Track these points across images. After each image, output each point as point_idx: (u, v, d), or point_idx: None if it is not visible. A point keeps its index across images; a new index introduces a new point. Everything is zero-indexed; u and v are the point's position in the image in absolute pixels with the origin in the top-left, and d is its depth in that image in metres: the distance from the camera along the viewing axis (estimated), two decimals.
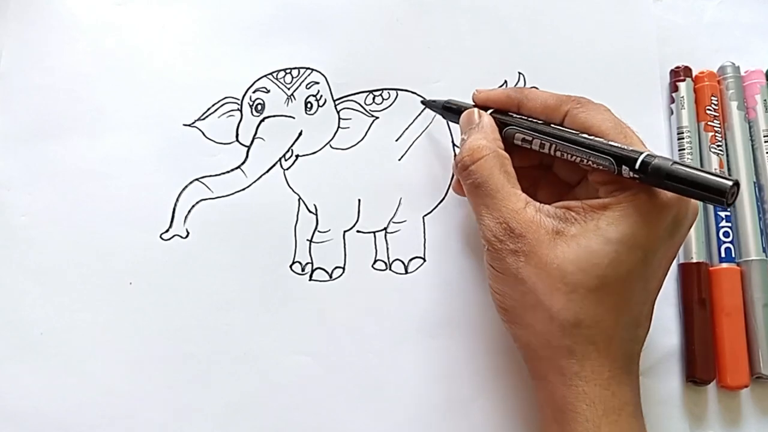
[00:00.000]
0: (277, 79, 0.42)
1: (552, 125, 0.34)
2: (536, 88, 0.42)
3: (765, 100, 0.41)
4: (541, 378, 0.32)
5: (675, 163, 0.29)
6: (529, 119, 0.35)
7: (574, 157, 0.32)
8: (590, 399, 0.30)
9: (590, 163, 0.32)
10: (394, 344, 0.38)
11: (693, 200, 0.32)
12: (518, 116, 0.36)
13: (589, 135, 0.32)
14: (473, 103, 0.38)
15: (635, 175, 0.30)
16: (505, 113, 0.36)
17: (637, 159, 0.30)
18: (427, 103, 0.41)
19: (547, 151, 0.33)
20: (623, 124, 0.33)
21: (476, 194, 0.34)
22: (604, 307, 0.30)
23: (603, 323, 0.30)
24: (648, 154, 0.29)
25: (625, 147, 0.31)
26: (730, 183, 0.27)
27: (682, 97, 0.42)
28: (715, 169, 0.40)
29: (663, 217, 0.30)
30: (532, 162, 0.37)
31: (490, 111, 0.36)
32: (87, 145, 0.41)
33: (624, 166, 0.30)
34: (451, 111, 0.39)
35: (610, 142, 0.31)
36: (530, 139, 0.34)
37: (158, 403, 0.37)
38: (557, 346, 0.31)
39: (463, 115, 0.37)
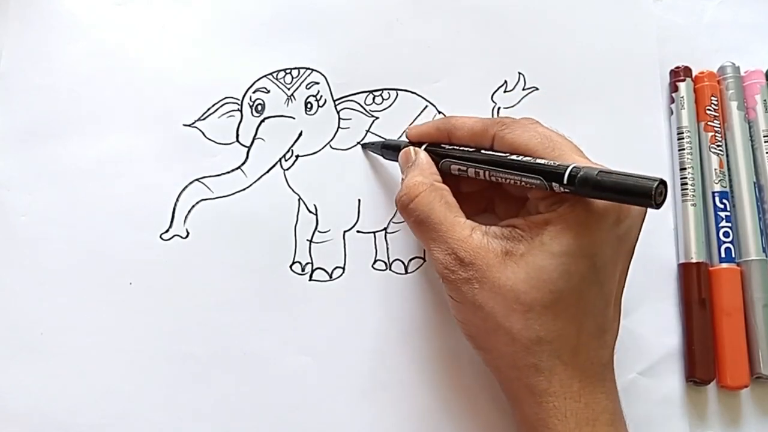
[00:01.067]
0: (277, 79, 0.42)
1: (482, 151, 0.34)
2: (536, 88, 0.42)
3: (765, 100, 0.42)
4: (513, 398, 0.33)
5: (600, 171, 0.28)
6: (461, 149, 0.35)
7: (507, 180, 0.32)
8: (561, 413, 0.30)
9: (523, 183, 0.32)
10: (394, 344, 0.38)
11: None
12: (451, 147, 0.36)
13: (518, 155, 0.32)
14: (407, 141, 0.38)
15: (566, 190, 0.30)
16: (438, 146, 0.36)
17: (564, 173, 0.30)
18: (366, 146, 0.41)
19: (483, 177, 0.34)
20: (552, 136, 0.33)
21: (421, 230, 0.34)
22: (562, 320, 0.30)
23: (564, 336, 0.31)
24: (574, 167, 0.29)
25: (551, 163, 0.31)
26: (655, 183, 0.27)
27: (682, 97, 0.42)
28: (715, 170, 0.40)
29: (603, 222, 0.30)
30: (482, 184, 0.36)
31: (424, 146, 0.37)
32: (87, 145, 0.41)
33: (554, 182, 0.30)
34: (390, 149, 0.39)
35: (537, 160, 0.31)
36: (465, 168, 0.34)
37: (158, 403, 0.37)
38: (523, 365, 0.31)
39: (400, 155, 0.37)
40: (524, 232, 0.31)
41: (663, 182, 0.27)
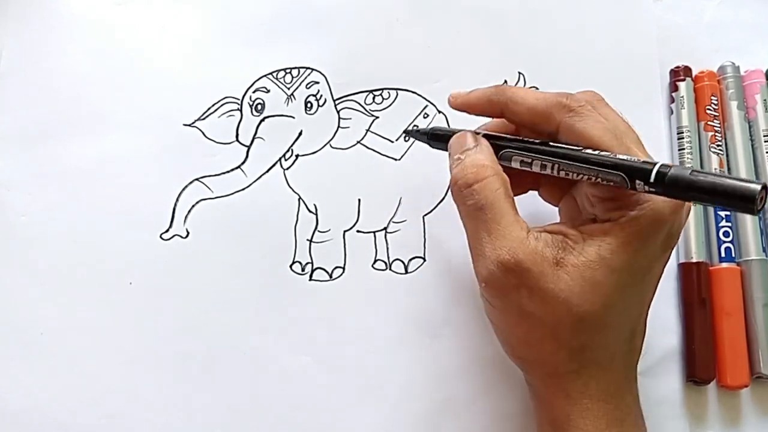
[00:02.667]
0: (277, 78, 0.42)
1: (550, 143, 0.31)
2: (536, 88, 0.42)
3: (765, 100, 0.41)
4: (543, 399, 0.32)
5: (694, 171, 0.26)
6: (524, 139, 0.32)
7: (580, 176, 0.30)
8: (594, 414, 0.30)
9: (599, 179, 0.29)
10: (394, 344, 0.38)
11: (686, 210, 0.31)
12: (512, 137, 0.33)
13: (588, 147, 0.30)
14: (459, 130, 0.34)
15: (650, 189, 0.28)
16: (497, 137, 0.33)
17: (651, 171, 0.27)
18: (411, 133, 0.39)
19: (549, 172, 0.31)
20: (619, 126, 0.31)
21: (476, 218, 0.30)
22: (608, 329, 0.30)
23: (606, 343, 0.30)
24: (662, 165, 0.28)
25: (635, 159, 0.28)
26: (759, 187, 0.25)
27: (682, 96, 0.42)
28: (715, 169, 0.40)
29: (660, 234, 0.30)
30: (516, 190, 0.33)
31: (482, 134, 0.33)
32: (87, 145, 0.41)
33: (638, 181, 0.28)
34: (439, 139, 0.35)
35: (618, 156, 0.29)
36: (529, 161, 0.31)
37: (158, 403, 0.37)
38: (564, 371, 0.30)
39: (454, 137, 0.33)
40: (576, 243, 0.29)
41: (765, 187, 0.25)
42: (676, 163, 0.41)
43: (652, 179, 0.27)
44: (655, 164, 0.28)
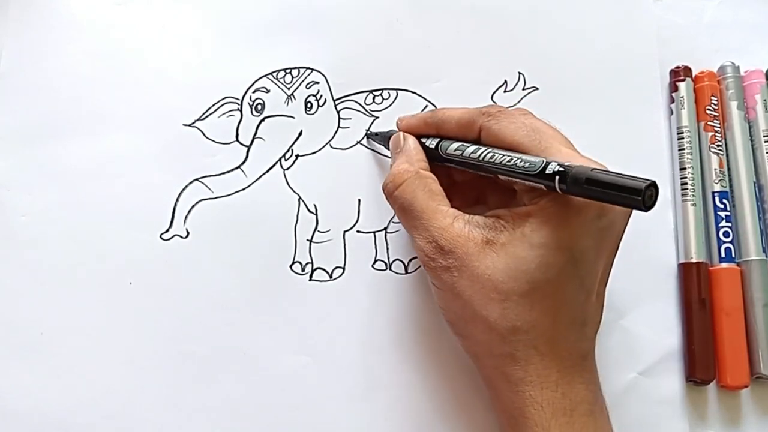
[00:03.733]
0: (277, 78, 0.42)
1: (469, 147, 0.34)
2: (536, 88, 0.42)
3: (765, 100, 0.42)
4: (491, 386, 0.33)
5: (594, 170, 0.28)
6: (449, 142, 0.35)
7: (496, 174, 0.32)
8: (538, 403, 0.30)
9: (511, 178, 0.32)
10: (394, 344, 0.38)
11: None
12: (440, 140, 0.36)
13: (504, 148, 0.32)
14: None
15: (549, 185, 0.29)
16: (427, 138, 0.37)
17: (551, 174, 0.29)
18: (371, 135, 0.41)
19: (473, 172, 0.34)
20: (541, 128, 0.33)
21: (404, 218, 0.34)
22: (538, 311, 0.31)
23: (540, 326, 0.31)
24: (559, 165, 0.29)
25: (535, 161, 0.30)
26: (646, 184, 0.26)
27: (682, 97, 0.42)
28: (715, 170, 0.40)
29: (584, 215, 0.30)
30: (474, 174, 0.36)
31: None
32: (87, 145, 0.41)
33: (542, 181, 0.30)
34: (383, 139, 0.39)
35: (522, 157, 0.31)
36: (452, 164, 0.35)
37: (158, 403, 0.37)
38: (499, 354, 0.31)
39: (391, 140, 0.38)
40: (507, 223, 0.31)
41: (654, 184, 0.27)
42: (676, 164, 0.41)
43: (556, 182, 0.29)
44: (551, 164, 0.29)
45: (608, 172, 0.28)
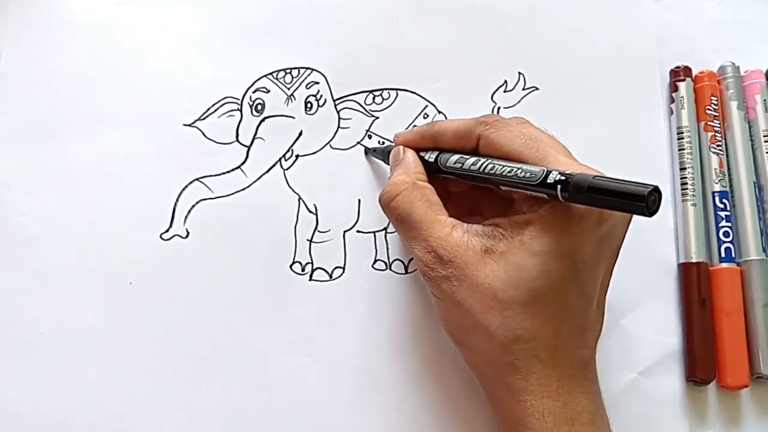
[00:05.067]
0: (277, 79, 0.42)
1: (469, 159, 0.33)
2: (536, 88, 0.42)
3: (765, 100, 0.42)
4: (492, 396, 0.33)
5: (596, 177, 0.28)
6: (449, 155, 0.35)
7: (498, 186, 0.32)
8: (539, 412, 0.30)
9: (512, 188, 0.31)
10: (394, 344, 0.38)
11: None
12: (439, 153, 0.36)
13: (502, 157, 0.32)
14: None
15: (551, 193, 0.29)
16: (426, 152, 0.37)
17: (553, 183, 0.29)
18: (368, 151, 0.41)
19: (473, 183, 0.34)
20: (538, 137, 0.32)
21: (402, 228, 0.34)
22: (539, 320, 0.30)
23: (542, 335, 0.31)
24: (560, 174, 0.29)
25: (536, 171, 0.30)
26: (649, 189, 0.26)
27: (682, 97, 0.42)
28: (715, 170, 0.40)
29: (585, 222, 0.30)
30: (470, 185, 0.36)
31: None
32: (87, 145, 0.41)
33: (543, 190, 0.30)
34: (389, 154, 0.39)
35: (522, 167, 0.31)
36: (461, 163, 0.34)
37: (158, 402, 0.37)
38: (501, 363, 0.31)
39: (391, 154, 0.38)
40: (506, 231, 0.31)
41: (657, 189, 0.26)
42: (676, 164, 0.41)
43: (558, 191, 0.29)
44: (552, 174, 0.29)
45: (610, 179, 0.28)
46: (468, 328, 0.32)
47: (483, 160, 0.33)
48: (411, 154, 0.36)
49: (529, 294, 0.30)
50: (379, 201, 0.35)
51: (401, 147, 0.37)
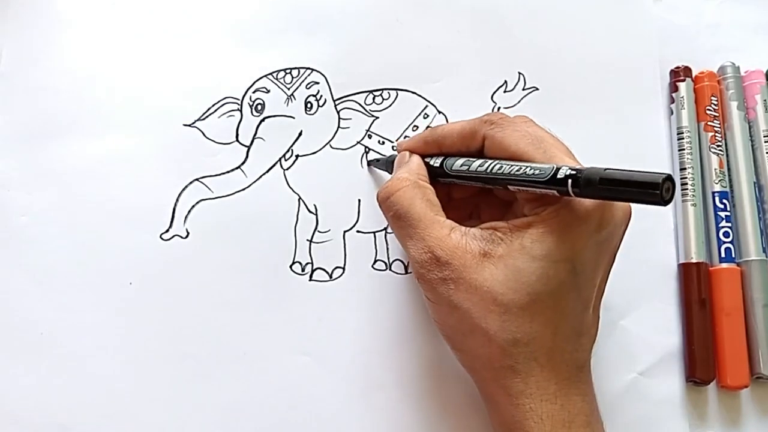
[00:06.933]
0: (277, 79, 0.42)
1: (476, 161, 0.33)
2: (536, 88, 0.42)
3: (765, 100, 0.42)
4: (489, 400, 0.33)
5: (607, 169, 0.27)
6: (455, 159, 0.34)
7: (507, 187, 0.32)
8: (537, 416, 0.30)
9: (525, 188, 0.31)
10: (394, 344, 0.38)
11: (618, 205, 0.31)
12: (445, 158, 0.35)
13: (508, 157, 0.32)
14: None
15: (562, 190, 0.29)
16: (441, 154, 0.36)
17: (563, 179, 0.29)
18: (372, 163, 0.41)
19: (481, 185, 0.33)
20: (544, 137, 0.32)
21: (399, 225, 0.33)
22: (538, 323, 0.30)
23: (540, 338, 0.30)
24: (570, 169, 0.29)
25: (545, 168, 0.30)
26: (663, 176, 0.26)
27: (682, 97, 0.42)
28: (715, 170, 0.40)
29: (585, 227, 0.30)
30: (472, 190, 0.37)
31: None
32: (87, 145, 0.41)
33: (553, 187, 0.29)
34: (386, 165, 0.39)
35: (531, 165, 0.30)
36: (468, 166, 0.34)
37: (158, 403, 0.37)
38: (499, 366, 0.31)
39: (397, 158, 0.37)
40: (504, 235, 0.31)
41: (670, 177, 0.26)
42: (676, 164, 0.41)
43: (568, 186, 0.28)
44: (563, 169, 0.29)
45: (621, 170, 0.27)
46: (465, 332, 0.32)
47: (490, 161, 0.32)
48: (416, 158, 0.36)
49: (529, 297, 0.30)
50: (377, 196, 0.35)
51: (407, 152, 0.37)
